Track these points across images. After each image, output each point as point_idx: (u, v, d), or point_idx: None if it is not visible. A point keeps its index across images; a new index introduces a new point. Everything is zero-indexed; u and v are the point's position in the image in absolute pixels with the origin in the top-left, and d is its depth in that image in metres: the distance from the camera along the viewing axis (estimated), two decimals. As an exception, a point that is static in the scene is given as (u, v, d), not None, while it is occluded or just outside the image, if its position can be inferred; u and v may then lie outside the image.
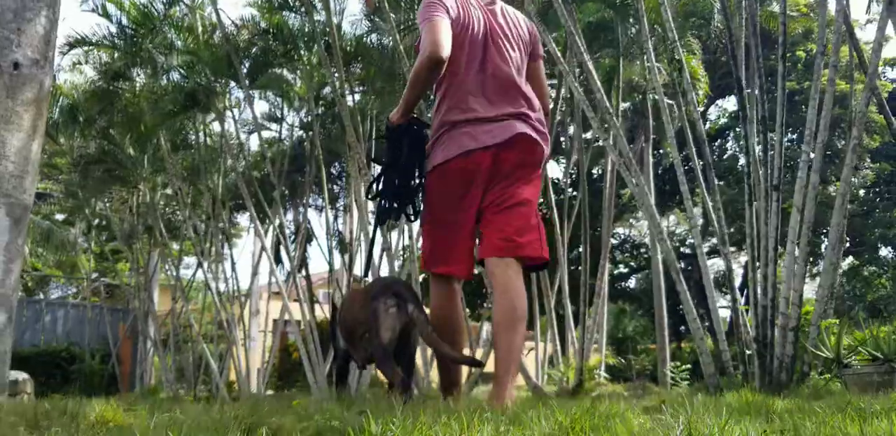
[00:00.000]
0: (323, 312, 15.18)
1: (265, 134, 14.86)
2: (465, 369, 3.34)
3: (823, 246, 16.23)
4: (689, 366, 11.90)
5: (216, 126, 13.26)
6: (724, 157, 19.91)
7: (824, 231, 15.62)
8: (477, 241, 3.13)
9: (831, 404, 2.99)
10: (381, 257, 9.60)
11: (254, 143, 17.89)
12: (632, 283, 24.05)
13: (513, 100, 3.07)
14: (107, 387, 16.29)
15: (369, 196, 3.51)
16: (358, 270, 12.43)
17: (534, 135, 3.06)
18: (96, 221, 16.90)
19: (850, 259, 19.39)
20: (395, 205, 3.19)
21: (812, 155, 6.33)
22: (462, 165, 3.00)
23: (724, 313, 14.53)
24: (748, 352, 6.51)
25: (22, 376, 8.16)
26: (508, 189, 3.04)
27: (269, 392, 14.54)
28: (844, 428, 2.15)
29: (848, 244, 17.52)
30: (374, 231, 3.49)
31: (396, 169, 3.17)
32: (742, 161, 17.00)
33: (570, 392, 7.95)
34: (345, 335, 3.24)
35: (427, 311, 3.09)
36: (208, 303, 16.30)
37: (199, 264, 13.93)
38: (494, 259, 2.99)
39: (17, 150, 5.46)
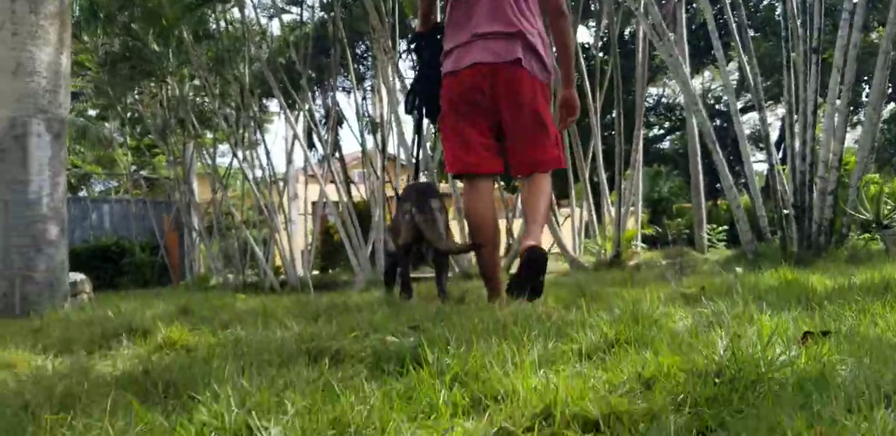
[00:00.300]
0: (359, 192, 15.37)
1: (286, 18, 14.42)
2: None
3: (864, 94, 15.76)
4: (725, 227, 12.01)
5: (236, 12, 12.94)
6: (760, 8, 19.02)
7: (865, 78, 15.11)
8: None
9: (870, 282, 3.03)
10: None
11: (275, 28, 17.43)
12: (666, 144, 23.83)
13: (511, 19, 3.26)
14: (158, 277, 17.00)
15: (406, 111, 3.69)
16: (391, 149, 12.43)
17: (527, 58, 3.25)
18: (129, 114, 16.91)
19: (891, 106, 18.88)
20: (429, 112, 3.49)
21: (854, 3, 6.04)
22: (471, 74, 3.25)
23: (760, 168, 14.41)
24: (785, 211, 6.52)
25: (79, 276, 8.52)
26: (523, 108, 3.27)
27: (315, 272, 15.00)
28: (885, 316, 2.20)
29: (889, 90, 16.97)
30: (418, 139, 3.83)
31: (421, 79, 3.46)
32: (779, 11, 16.22)
33: (607, 264, 8.12)
34: (392, 233, 3.68)
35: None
36: (247, 190, 16.55)
37: (234, 154, 14.02)
38: (521, 177, 3.41)
39: (47, 64, 5.43)
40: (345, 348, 2.06)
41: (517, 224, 11.97)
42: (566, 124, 3.62)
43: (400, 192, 3.72)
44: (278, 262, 14.43)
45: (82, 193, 24.46)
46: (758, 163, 14.82)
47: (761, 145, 17.10)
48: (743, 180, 15.06)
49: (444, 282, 3.58)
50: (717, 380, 1.43)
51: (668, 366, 1.50)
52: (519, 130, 3.31)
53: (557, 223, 9.41)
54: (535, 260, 3.02)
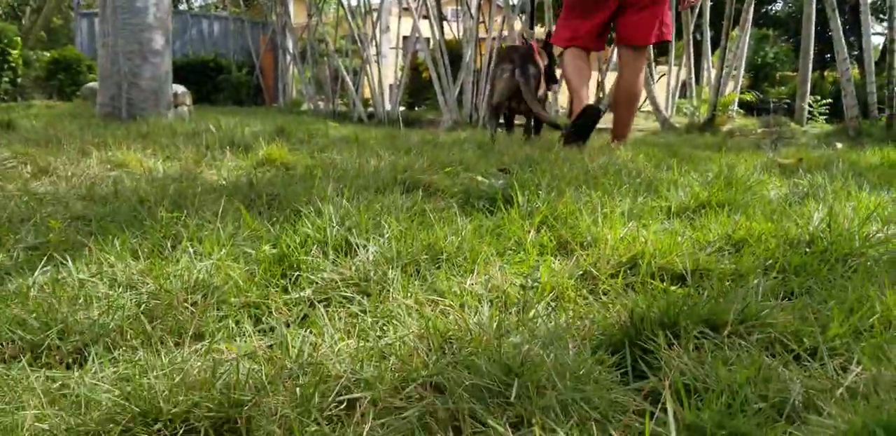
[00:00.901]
0: (451, 30, 14.96)
1: None
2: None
3: None
4: (829, 100, 11.38)
5: None
6: None
7: None
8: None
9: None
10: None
11: None
12: (779, 5, 22.15)
13: None
14: (253, 97, 17.29)
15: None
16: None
17: None
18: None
19: None
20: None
21: None
22: None
23: (877, 41, 13.38)
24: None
25: (181, 89, 8.72)
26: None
27: (402, 108, 14.98)
28: None
29: None
30: None
31: None
32: None
33: (700, 127, 7.87)
34: (492, 85, 4.10)
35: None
36: (340, 17, 16.27)
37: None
38: (623, 48, 3.88)
39: None
40: (436, 183, 2.10)
41: (610, 77, 11.59)
42: (686, 5, 4.03)
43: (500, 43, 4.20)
44: (367, 94, 14.45)
45: (182, 7, 24.46)
46: (876, 35, 13.73)
47: (882, 17, 15.73)
48: (856, 52, 14.02)
49: (531, 126, 4.03)
50: (808, 249, 1.42)
51: (759, 231, 1.49)
52: (632, 19, 3.78)
53: (653, 79, 9.07)
54: (591, 114, 3.54)
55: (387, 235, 1.46)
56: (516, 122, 4.43)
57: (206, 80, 17.07)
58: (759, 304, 1.04)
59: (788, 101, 12.86)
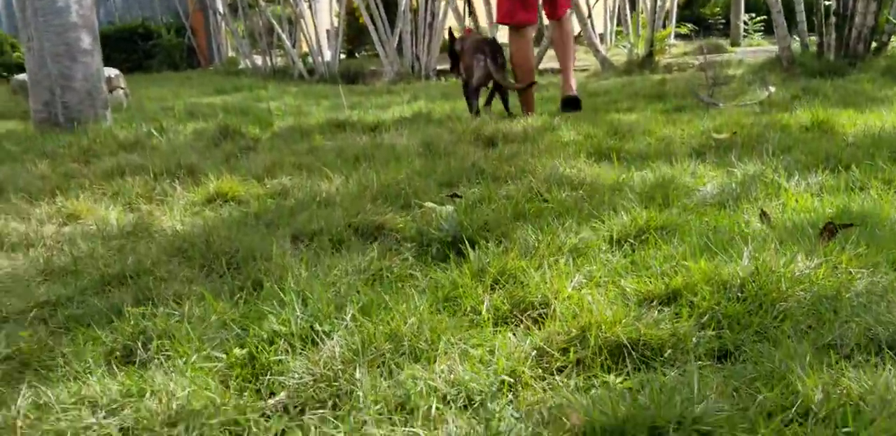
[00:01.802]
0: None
1: None
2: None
3: None
4: (763, 17, 11.44)
5: None
6: None
7: None
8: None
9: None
10: None
11: None
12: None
13: None
14: (187, 60, 16.81)
15: None
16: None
17: None
18: None
19: None
20: None
21: None
22: None
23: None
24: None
25: (113, 72, 8.50)
26: None
27: (342, 56, 14.67)
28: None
29: None
30: None
31: None
32: None
33: (639, 64, 7.90)
34: (465, 71, 4.88)
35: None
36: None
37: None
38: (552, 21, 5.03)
39: None
40: (389, 223, 2.15)
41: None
42: None
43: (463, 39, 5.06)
44: (305, 48, 14.11)
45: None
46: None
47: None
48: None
49: (508, 104, 4.92)
50: (740, 295, 1.53)
51: (694, 278, 1.59)
52: None
53: (590, 12, 9.04)
54: (573, 105, 4.80)
55: (349, 318, 1.53)
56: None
57: (136, 47, 16.55)
58: (698, 401, 1.14)
59: (724, 21, 12.89)
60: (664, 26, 8.04)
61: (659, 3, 7.90)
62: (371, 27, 11.18)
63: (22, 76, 8.65)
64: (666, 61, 8.05)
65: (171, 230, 2.39)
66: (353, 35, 18.28)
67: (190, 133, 4.71)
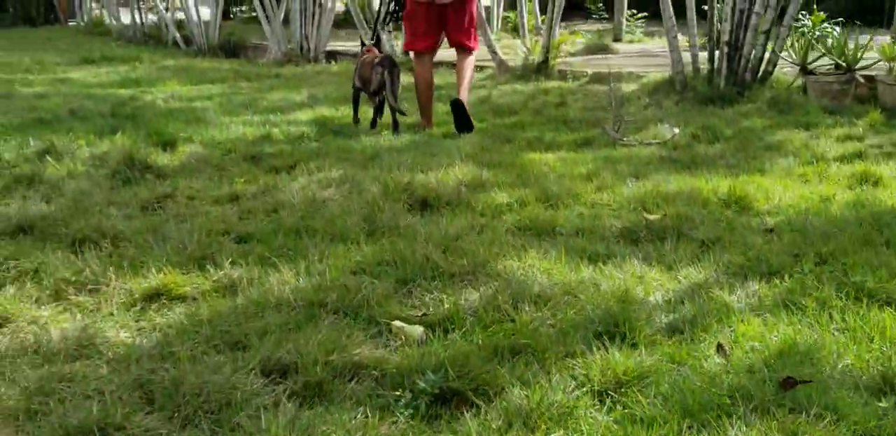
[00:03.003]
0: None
1: None
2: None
3: None
4: (646, 14, 11.79)
5: None
6: None
7: None
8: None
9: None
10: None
11: None
12: None
13: None
14: (45, 15, 15.48)
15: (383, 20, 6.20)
16: None
17: None
18: None
19: None
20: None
21: None
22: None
23: None
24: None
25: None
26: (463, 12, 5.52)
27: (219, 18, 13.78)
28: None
29: None
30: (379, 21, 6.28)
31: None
32: None
33: (533, 70, 7.99)
34: (359, 80, 5.58)
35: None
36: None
37: None
38: (456, 49, 5.69)
39: None
40: (366, 360, 2.12)
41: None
42: None
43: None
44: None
45: None
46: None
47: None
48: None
49: (397, 126, 5.44)
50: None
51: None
52: (456, 25, 5.53)
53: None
54: (459, 108, 5.33)
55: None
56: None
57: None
58: None
59: (606, 15, 13.21)
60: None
61: (556, 10, 7.96)
62: (257, 3, 10.66)
63: None
64: (560, 67, 8.18)
65: (122, 348, 2.24)
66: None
67: (87, 159, 4.39)
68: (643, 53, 10.00)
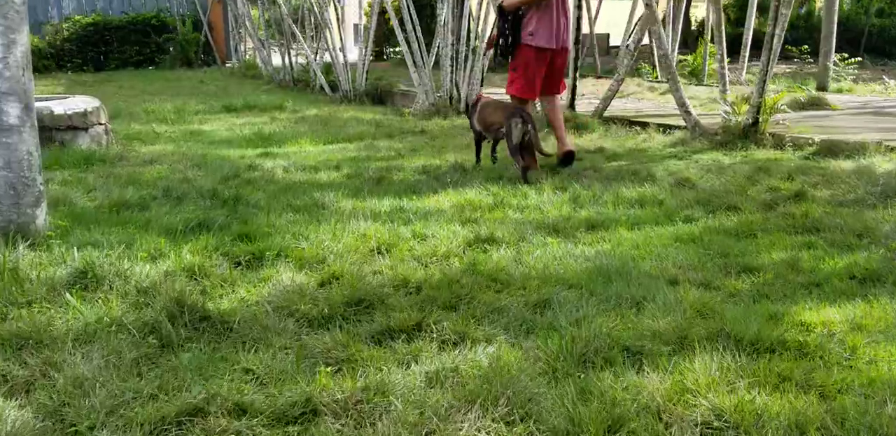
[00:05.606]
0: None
1: None
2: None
3: None
4: (858, 59, 9.49)
5: None
6: None
7: None
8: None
9: None
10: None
11: None
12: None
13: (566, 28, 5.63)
14: (203, 57, 14.94)
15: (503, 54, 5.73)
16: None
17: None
18: None
19: None
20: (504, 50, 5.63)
21: None
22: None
23: None
24: None
25: (92, 104, 6.67)
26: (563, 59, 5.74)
27: (370, 58, 12.54)
28: None
29: None
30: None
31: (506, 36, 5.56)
32: None
33: (738, 134, 6.06)
34: (480, 124, 5.62)
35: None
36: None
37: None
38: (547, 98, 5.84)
39: None
40: None
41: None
42: None
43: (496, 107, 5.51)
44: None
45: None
46: None
47: None
48: None
49: (526, 172, 5.20)
50: None
51: None
52: (559, 71, 5.72)
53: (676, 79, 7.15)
54: (569, 160, 5.50)
55: None
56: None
57: (148, 41, 14.66)
58: None
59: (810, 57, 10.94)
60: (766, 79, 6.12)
61: (772, 59, 5.99)
62: (405, 48, 9.30)
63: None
64: (772, 129, 6.20)
65: None
66: (384, 35, 16.34)
67: (129, 294, 2.93)
68: (867, 108, 7.79)
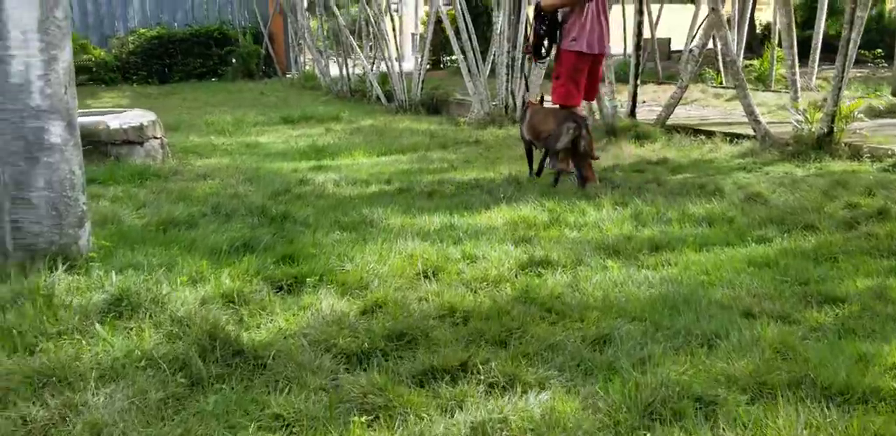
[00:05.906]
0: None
1: None
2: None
3: None
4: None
5: None
6: None
7: None
8: None
9: None
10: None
11: None
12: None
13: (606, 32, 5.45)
14: (264, 68, 15.04)
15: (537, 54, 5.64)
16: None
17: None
18: None
19: None
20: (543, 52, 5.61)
21: None
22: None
23: None
24: None
25: (147, 118, 6.63)
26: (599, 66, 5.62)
27: (427, 66, 12.36)
28: None
29: None
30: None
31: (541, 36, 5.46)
32: None
33: (812, 144, 5.65)
34: (530, 133, 5.42)
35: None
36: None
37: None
38: None
39: None
40: None
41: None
42: None
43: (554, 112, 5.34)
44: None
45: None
46: None
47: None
48: None
49: (583, 176, 5.13)
50: None
51: None
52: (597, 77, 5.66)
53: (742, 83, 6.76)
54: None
55: None
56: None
57: (211, 53, 14.83)
58: None
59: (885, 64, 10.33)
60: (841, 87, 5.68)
61: (847, 64, 5.56)
62: (460, 57, 9.10)
63: None
64: (847, 138, 5.76)
65: None
66: (440, 43, 16.15)
67: (163, 323, 2.76)
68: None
